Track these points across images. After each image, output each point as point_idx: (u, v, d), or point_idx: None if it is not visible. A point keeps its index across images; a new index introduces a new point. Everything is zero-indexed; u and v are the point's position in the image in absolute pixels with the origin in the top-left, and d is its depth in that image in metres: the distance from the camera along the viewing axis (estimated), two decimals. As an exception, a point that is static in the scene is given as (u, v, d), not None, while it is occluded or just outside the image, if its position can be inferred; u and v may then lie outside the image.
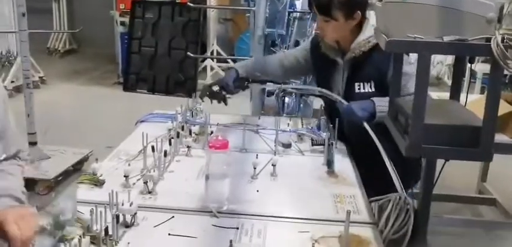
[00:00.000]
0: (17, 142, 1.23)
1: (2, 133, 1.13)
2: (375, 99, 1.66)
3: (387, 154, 1.51)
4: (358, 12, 1.71)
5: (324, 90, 1.89)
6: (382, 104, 1.62)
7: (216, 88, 1.85)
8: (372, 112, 1.62)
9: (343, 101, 1.74)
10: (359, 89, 1.75)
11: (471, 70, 4.80)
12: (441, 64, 6.03)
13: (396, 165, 1.62)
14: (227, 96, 1.93)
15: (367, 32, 1.73)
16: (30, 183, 1.99)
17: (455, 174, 3.03)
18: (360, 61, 1.75)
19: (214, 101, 1.92)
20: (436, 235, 2.79)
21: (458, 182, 3.21)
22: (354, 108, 1.66)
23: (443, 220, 2.76)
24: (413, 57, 1.61)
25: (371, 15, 1.75)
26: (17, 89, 5.01)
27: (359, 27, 1.76)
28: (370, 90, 1.72)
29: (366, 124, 1.57)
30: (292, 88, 1.98)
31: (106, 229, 1.08)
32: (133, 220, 1.16)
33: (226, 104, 1.94)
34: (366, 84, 1.73)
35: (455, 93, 1.21)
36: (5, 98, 1.10)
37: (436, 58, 5.63)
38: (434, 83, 5.58)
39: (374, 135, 1.54)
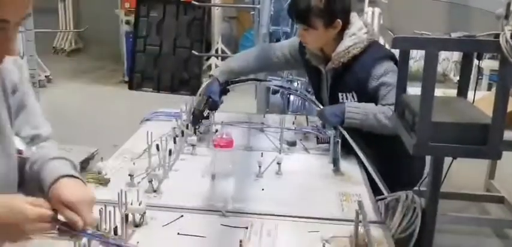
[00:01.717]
0: (47, 127, 1.09)
1: (21, 103, 1.00)
2: (347, 103, 1.66)
3: (394, 152, 1.51)
4: (338, 20, 1.67)
5: (302, 93, 1.87)
6: (352, 108, 1.62)
7: (206, 112, 1.78)
8: (343, 117, 1.61)
9: (317, 105, 1.75)
10: (342, 99, 1.72)
11: (479, 67, 4.78)
12: (447, 60, 5.99)
13: (401, 163, 1.62)
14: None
15: (347, 42, 1.68)
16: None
17: (463, 172, 3.00)
18: (341, 71, 1.72)
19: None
20: (443, 234, 2.78)
21: (465, 180, 3.19)
22: (326, 113, 1.66)
23: (451, 219, 2.74)
24: (390, 67, 1.61)
25: (354, 23, 1.71)
26: (24, 88, 5.03)
27: (342, 35, 1.71)
28: (353, 101, 1.70)
29: (341, 128, 1.59)
30: (274, 85, 1.96)
31: (115, 229, 1.08)
32: (142, 220, 1.16)
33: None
34: (348, 94, 1.71)
35: (463, 90, 1.19)
36: (22, 68, 0.99)
37: (441, 54, 5.59)
38: (440, 80, 5.54)
39: (350, 138, 1.57)
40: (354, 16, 1.74)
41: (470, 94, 1.22)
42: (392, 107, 1.46)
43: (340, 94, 1.73)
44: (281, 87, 2.03)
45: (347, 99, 1.71)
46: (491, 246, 2.83)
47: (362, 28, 1.70)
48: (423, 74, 0.96)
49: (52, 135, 1.09)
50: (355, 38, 1.68)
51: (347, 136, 1.57)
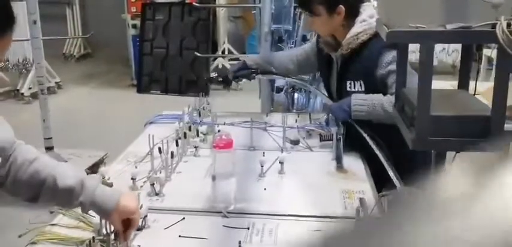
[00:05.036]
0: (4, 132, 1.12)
1: None
2: (353, 95, 1.64)
3: (396, 147, 1.49)
4: (341, 6, 1.66)
5: (311, 87, 1.87)
6: (358, 100, 1.60)
7: (219, 78, 1.93)
8: (350, 110, 1.60)
9: (327, 99, 1.74)
10: (350, 87, 1.70)
11: (488, 57, 4.67)
12: (457, 52, 5.90)
13: (405, 158, 1.60)
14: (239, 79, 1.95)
15: (357, 28, 1.67)
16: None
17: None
18: (350, 58, 1.70)
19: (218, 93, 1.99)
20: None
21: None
22: (333, 108, 1.66)
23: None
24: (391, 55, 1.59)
25: (365, 9, 1.69)
26: (34, 96, 5.10)
27: (354, 22, 1.70)
28: (360, 90, 1.67)
29: (354, 123, 1.58)
30: (284, 79, 1.98)
31: (116, 232, 1.09)
32: (144, 223, 1.17)
33: (225, 89, 1.99)
34: (356, 82, 1.69)
35: (463, 82, 1.17)
36: None
37: (450, 46, 5.51)
38: (450, 72, 5.46)
39: (363, 132, 1.56)
40: (368, 5, 1.73)
41: (480, 86, 1.19)
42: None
43: (347, 82, 1.71)
44: (289, 82, 2.06)
45: (354, 87, 1.69)
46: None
47: (373, 16, 1.68)
48: (419, 67, 0.94)
49: (14, 140, 1.10)
50: (365, 25, 1.66)
51: (361, 130, 1.55)
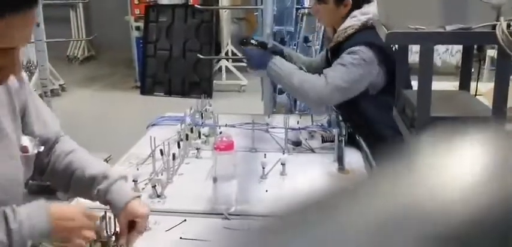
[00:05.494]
0: (54, 124, 1.18)
1: (28, 107, 1.09)
2: (278, 58, 1.73)
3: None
4: None
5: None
6: (277, 62, 1.69)
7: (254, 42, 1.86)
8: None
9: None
10: None
11: (492, 58, 4.64)
12: (461, 53, 5.87)
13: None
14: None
15: (347, 22, 1.71)
16: (51, 189, 2.05)
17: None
18: (337, 50, 1.74)
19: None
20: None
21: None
22: (248, 52, 1.77)
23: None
24: (358, 51, 1.61)
25: (363, 6, 1.72)
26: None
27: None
28: None
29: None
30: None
31: (116, 234, 1.09)
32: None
33: (265, 48, 1.89)
34: None
35: (464, 82, 1.17)
36: (25, 80, 1.08)
37: (454, 47, 5.49)
38: (453, 72, 5.44)
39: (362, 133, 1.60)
40: (370, 4, 1.74)
41: (483, 87, 1.19)
42: (325, 76, 1.57)
43: None
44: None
45: None
46: None
47: (366, 13, 1.70)
48: (419, 68, 0.94)
49: (60, 132, 1.19)
50: (355, 20, 1.70)
51: (360, 132, 1.58)
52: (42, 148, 1.09)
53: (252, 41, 1.86)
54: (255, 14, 2.92)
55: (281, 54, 1.89)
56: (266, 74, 1.74)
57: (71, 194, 1.20)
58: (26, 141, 1.05)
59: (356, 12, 1.70)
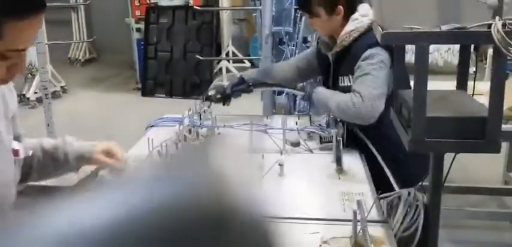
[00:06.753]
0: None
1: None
2: (320, 88, 1.76)
3: (397, 148, 1.49)
4: (340, 7, 1.70)
5: (286, 88, 1.94)
6: (320, 95, 1.71)
7: (218, 96, 1.93)
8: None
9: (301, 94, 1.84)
10: (342, 83, 1.75)
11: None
12: (461, 52, 5.86)
13: (404, 159, 1.59)
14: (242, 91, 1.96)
15: (350, 26, 1.70)
16: (52, 190, 2.07)
17: (479, 165, 2.94)
18: (343, 55, 1.74)
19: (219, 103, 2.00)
20: (460, 229, 2.72)
21: (482, 173, 3.11)
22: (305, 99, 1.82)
23: (468, 213, 2.68)
24: (375, 54, 1.62)
25: (360, 9, 1.72)
26: (40, 100, 5.13)
27: (348, 21, 1.73)
28: (349, 84, 1.70)
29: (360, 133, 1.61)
30: (263, 86, 2.03)
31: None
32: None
33: (225, 105, 1.99)
34: (345, 78, 1.73)
35: (462, 82, 1.16)
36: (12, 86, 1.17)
37: (455, 47, 5.48)
38: (455, 72, 5.42)
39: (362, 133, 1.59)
40: (363, 6, 1.75)
41: (482, 87, 1.19)
42: (359, 94, 1.56)
43: (340, 77, 1.76)
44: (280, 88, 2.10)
45: (345, 82, 1.74)
46: (511, 239, 2.75)
47: (367, 15, 1.70)
48: (415, 68, 0.94)
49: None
50: (357, 23, 1.70)
51: (361, 134, 1.58)
52: (30, 152, 1.12)
53: (212, 94, 1.93)
54: (254, 15, 2.92)
55: (256, 81, 1.95)
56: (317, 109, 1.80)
57: (47, 175, 1.29)
58: (16, 145, 1.08)
59: (357, 15, 1.70)
